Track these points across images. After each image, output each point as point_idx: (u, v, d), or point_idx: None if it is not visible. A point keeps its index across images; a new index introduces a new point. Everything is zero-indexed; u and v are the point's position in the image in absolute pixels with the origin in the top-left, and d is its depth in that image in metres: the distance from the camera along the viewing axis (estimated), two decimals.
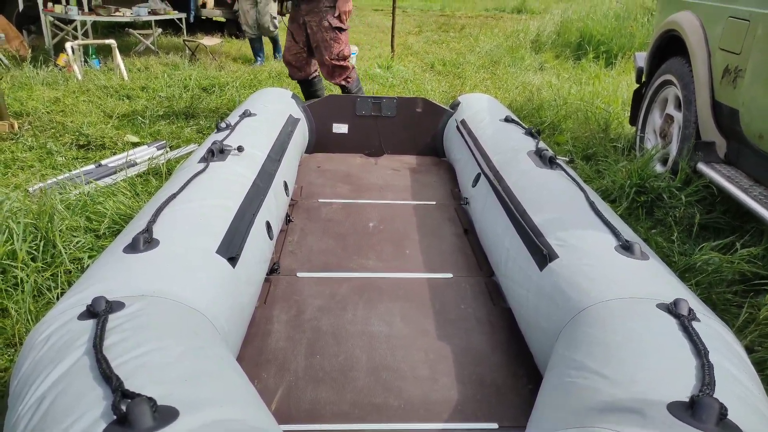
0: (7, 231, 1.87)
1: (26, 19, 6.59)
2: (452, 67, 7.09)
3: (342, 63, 3.70)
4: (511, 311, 1.76)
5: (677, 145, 2.94)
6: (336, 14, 3.62)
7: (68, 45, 5.32)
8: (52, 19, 6.17)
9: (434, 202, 2.72)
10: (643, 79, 3.52)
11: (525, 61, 7.39)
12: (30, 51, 6.07)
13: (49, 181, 2.73)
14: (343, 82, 3.78)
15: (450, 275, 2.04)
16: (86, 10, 6.27)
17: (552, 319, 1.39)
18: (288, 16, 4.02)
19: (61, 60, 5.54)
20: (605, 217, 1.67)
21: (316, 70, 3.92)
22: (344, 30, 3.68)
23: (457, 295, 1.92)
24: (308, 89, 4.00)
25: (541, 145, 2.38)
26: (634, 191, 2.73)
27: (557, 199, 1.85)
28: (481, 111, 3.07)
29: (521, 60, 7.42)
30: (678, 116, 3.00)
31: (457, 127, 3.12)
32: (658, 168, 3.08)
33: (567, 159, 2.29)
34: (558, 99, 4.82)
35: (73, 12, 5.95)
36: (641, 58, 3.60)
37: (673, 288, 1.33)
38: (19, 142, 3.41)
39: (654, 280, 1.35)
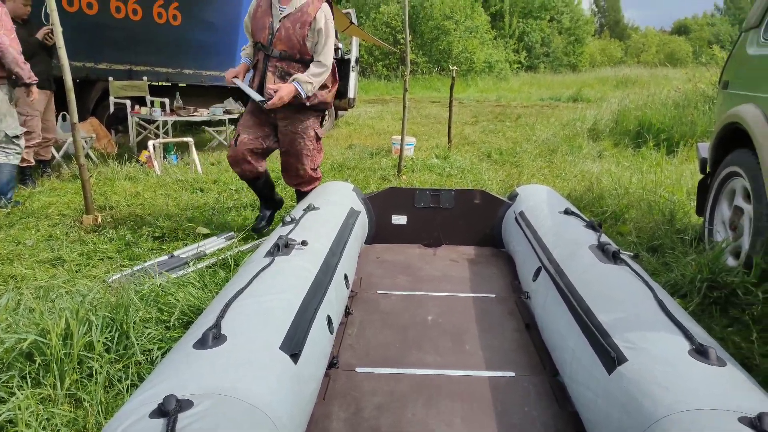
0: (87, 323, 1.99)
1: (115, 120, 7.29)
2: (509, 156, 7.19)
3: (318, 174, 3.67)
4: (579, 416, 1.68)
5: (749, 238, 2.82)
6: (319, 123, 3.52)
7: (150, 143, 5.81)
8: (137, 119, 6.80)
9: (494, 295, 2.69)
10: (708, 170, 3.45)
11: (583, 149, 7.41)
12: (116, 148, 6.66)
13: (126, 272, 2.90)
14: (310, 190, 3.60)
15: (512, 374, 1.98)
16: (168, 111, 6.88)
17: (624, 428, 1.32)
18: None
19: (143, 156, 6.04)
20: (676, 317, 1.60)
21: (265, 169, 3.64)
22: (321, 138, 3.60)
23: (520, 396, 1.85)
24: (267, 186, 3.72)
25: (604, 238, 2.35)
26: (706, 286, 2.61)
27: (623, 297, 1.80)
28: (540, 203, 3.08)
29: (579, 148, 7.45)
30: (748, 208, 2.90)
31: (516, 219, 3.13)
32: (730, 261, 2.94)
33: (632, 254, 2.24)
34: (619, 188, 4.76)
35: (157, 113, 6.56)
36: (704, 148, 3.54)
37: (756, 399, 1.24)
38: (101, 234, 3.67)
39: (734, 389, 1.27)
